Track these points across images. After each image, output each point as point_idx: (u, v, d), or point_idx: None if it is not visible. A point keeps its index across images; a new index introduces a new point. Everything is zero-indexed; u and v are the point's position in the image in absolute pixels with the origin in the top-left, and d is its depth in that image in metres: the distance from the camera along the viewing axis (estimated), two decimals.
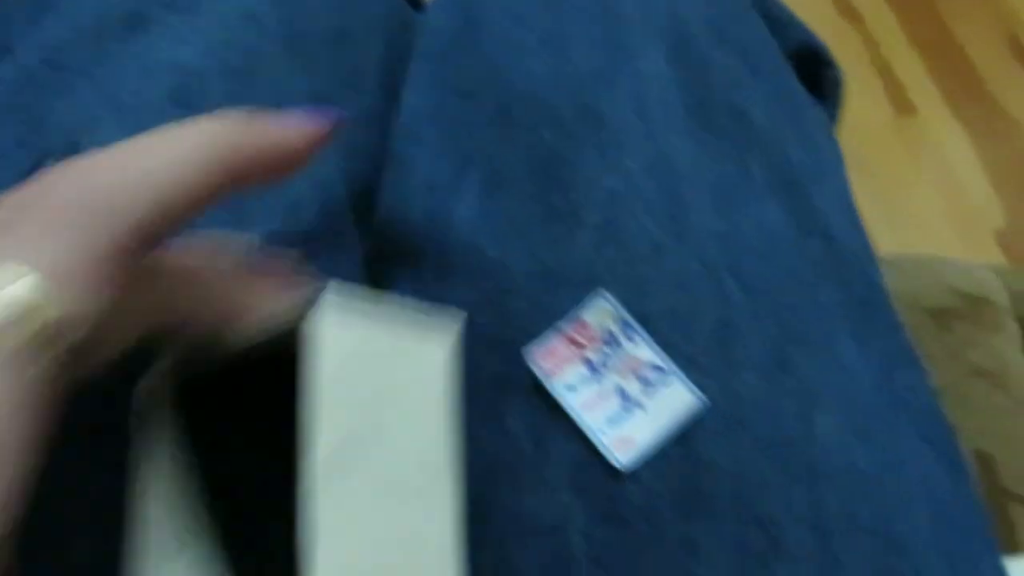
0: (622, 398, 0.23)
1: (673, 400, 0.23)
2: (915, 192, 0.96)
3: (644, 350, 0.23)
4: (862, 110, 1.00)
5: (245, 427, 0.20)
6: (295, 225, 0.30)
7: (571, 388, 0.23)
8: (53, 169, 0.17)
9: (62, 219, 0.16)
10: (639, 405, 0.23)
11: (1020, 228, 0.92)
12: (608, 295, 0.24)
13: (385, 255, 0.28)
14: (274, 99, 0.31)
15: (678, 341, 0.24)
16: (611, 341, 0.23)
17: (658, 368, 0.23)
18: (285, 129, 0.19)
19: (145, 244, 0.16)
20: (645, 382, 0.23)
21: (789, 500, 0.22)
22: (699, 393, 0.23)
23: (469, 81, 0.30)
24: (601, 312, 0.24)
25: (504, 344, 0.24)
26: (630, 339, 0.23)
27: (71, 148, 0.25)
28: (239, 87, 0.29)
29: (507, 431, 0.24)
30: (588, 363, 0.23)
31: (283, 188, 0.30)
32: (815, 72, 0.37)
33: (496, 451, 0.24)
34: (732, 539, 0.22)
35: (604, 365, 0.23)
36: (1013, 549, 0.36)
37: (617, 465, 0.22)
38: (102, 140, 0.18)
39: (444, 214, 0.28)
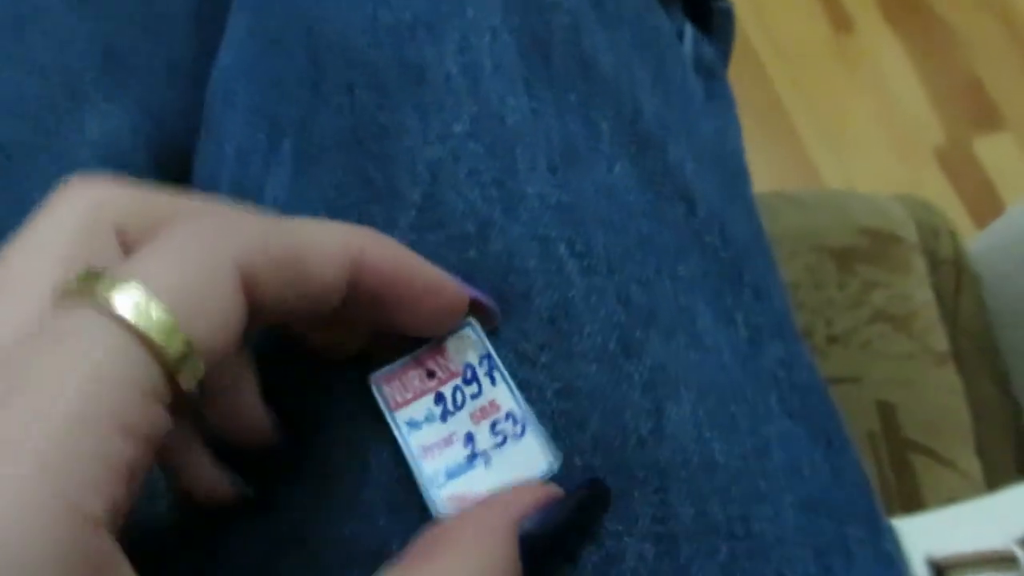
0: (468, 447, 0.20)
1: (522, 459, 0.20)
2: (853, 111, 0.93)
3: (503, 394, 0.20)
4: (798, 28, 0.96)
5: None
6: None
7: (414, 425, 0.20)
8: None
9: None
10: (484, 458, 0.20)
11: (959, 145, 0.90)
12: (476, 324, 0.21)
13: None
14: (55, 47, 0.27)
15: (509, 334, 0.21)
16: (470, 379, 0.20)
17: (514, 418, 0.20)
18: (432, 277, 0.19)
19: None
20: (497, 432, 0.20)
21: (631, 510, 0.20)
22: (553, 454, 0.20)
23: (280, 32, 0.26)
24: (464, 342, 0.21)
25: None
26: (491, 379, 0.20)
27: None
28: (15, 33, 0.25)
29: (330, 443, 0.21)
30: (440, 399, 0.20)
31: (60, 154, 0.26)
32: (703, 4, 0.34)
33: (319, 467, 0.21)
34: (563, 560, 0.19)
35: (456, 405, 0.20)
36: (917, 505, 0.34)
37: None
38: None
39: (254, 191, 0.24)
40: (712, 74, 0.31)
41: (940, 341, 0.40)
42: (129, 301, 0.15)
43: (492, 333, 0.21)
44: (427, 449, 0.20)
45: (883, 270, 0.41)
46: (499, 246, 0.22)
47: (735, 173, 0.28)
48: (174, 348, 0.15)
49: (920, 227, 0.43)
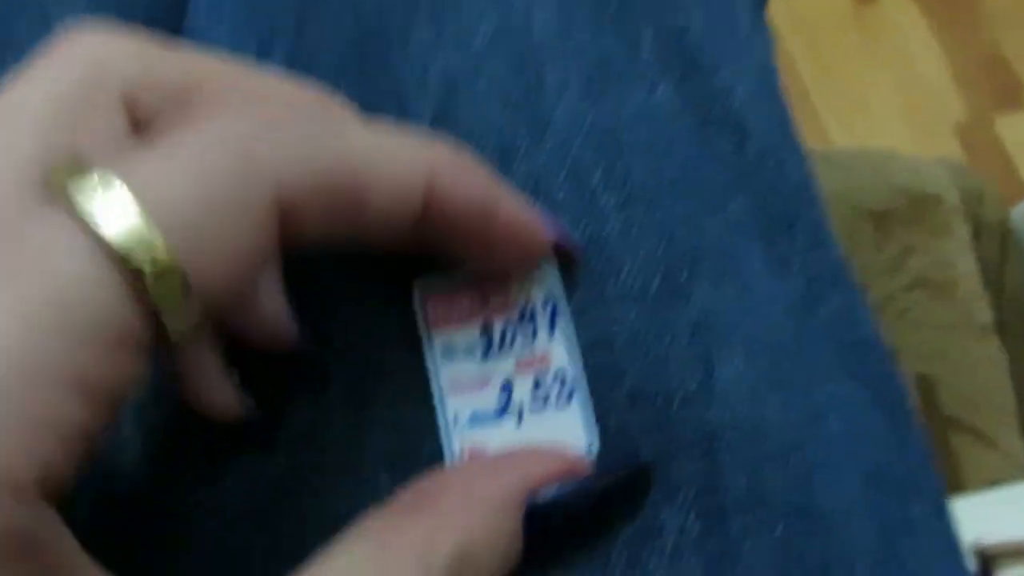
0: (503, 396, 0.17)
1: (559, 429, 0.17)
2: (873, 85, 0.90)
3: (559, 350, 0.17)
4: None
5: None
6: None
7: (450, 354, 0.17)
8: None
9: None
10: (517, 415, 0.17)
11: (981, 122, 0.87)
12: (554, 262, 0.17)
13: None
14: None
15: None
16: (527, 318, 0.17)
17: (563, 381, 0.17)
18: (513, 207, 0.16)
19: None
20: (539, 391, 0.17)
21: (673, 478, 0.17)
22: (594, 436, 0.17)
23: None
24: (534, 277, 0.17)
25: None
26: (550, 328, 0.17)
27: None
28: None
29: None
30: (486, 333, 0.17)
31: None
32: None
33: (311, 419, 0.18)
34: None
35: (502, 345, 0.17)
36: (956, 487, 0.32)
37: None
38: None
39: None
40: (759, 4, 0.28)
41: (983, 312, 0.37)
42: (113, 214, 0.11)
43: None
44: (457, 385, 0.17)
45: (923, 233, 0.38)
46: (523, 173, 0.19)
47: (784, 110, 0.25)
48: (164, 286, 0.11)
49: (963, 191, 0.40)
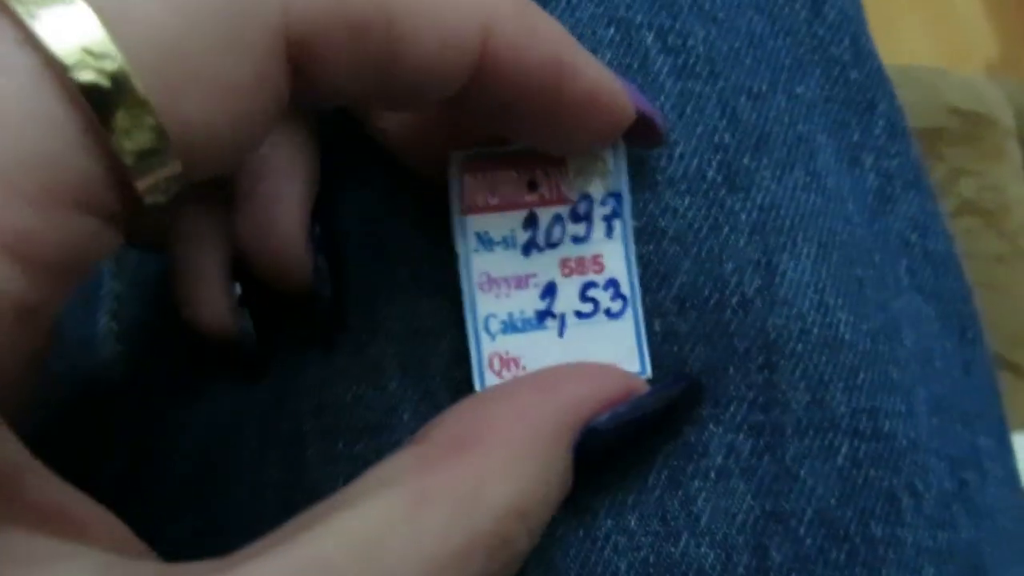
0: (545, 300, 0.14)
1: (607, 346, 0.14)
2: (900, 16, 0.85)
3: (616, 253, 0.14)
4: None
5: None
6: None
7: (485, 242, 0.14)
8: None
9: None
10: (559, 324, 0.14)
11: (1013, 60, 0.83)
12: (622, 148, 0.14)
13: None
14: None
15: None
16: (581, 215, 0.14)
17: (616, 290, 0.14)
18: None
19: None
20: (587, 299, 0.14)
21: (723, 392, 0.15)
22: (647, 363, 0.14)
23: None
24: (595, 165, 0.14)
25: None
26: (607, 226, 0.14)
27: None
28: None
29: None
30: (531, 225, 0.14)
31: None
32: None
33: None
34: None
35: (548, 241, 0.14)
36: None
37: (476, 387, 0.14)
38: None
39: None
40: None
41: None
42: (63, 24, 0.09)
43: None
44: (491, 281, 0.14)
45: (974, 155, 0.35)
46: (568, 21, 0.16)
47: None
48: (135, 135, 0.09)
49: (1019, 112, 0.37)
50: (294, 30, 0.10)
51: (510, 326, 0.14)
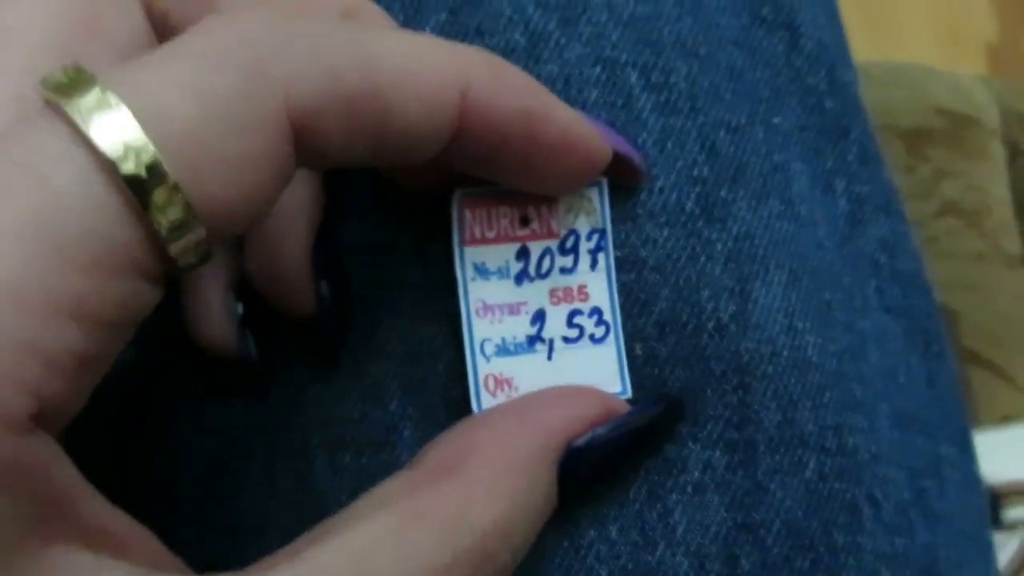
0: (535, 326, 0.15)
1: (591, 369, 0.15)
2: (901, 1, 0.85)
3: (599, 284, 0.16)
4: None
5: None
6: None
7: (482, 272, 0.15)
8: None
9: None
10: (548, 348, 0.15)
11: (1012, 43, 0.83)
12: (605, 186, 0.16)
13: None
14: None
15: None
16: (568, 249, 0.16)
17: (600, 317, 0.15)
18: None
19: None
20: (574, 325, 0.15)
21: (701, 411, 0.16)
22: (628, 384, 0.15)
23: None
24: (581, 202, 0.16)
25: None
26: (592, 260, 0.16)
27: None
28: None
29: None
30: (523, 256, 0.15)
31: None
32: None
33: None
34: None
35: (539, 272, 0.15)
36: (970, 422, 0.31)
37: (474, 407, 0.15)
38: None
39: None
40: None
41: (1014, 242, 0.35)
42: (106, 121, 0.10)
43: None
44: (486, 307, 0.15)
45: (957, 156, 0.36)
46: (553, 67, 0.17)
47: (835, 8, 0.22)
48: (169, 212, 0.10)
49: (1004, 113, 0.38)
50: (296, 110, 0.11)
51: (503, 349, 0.15)
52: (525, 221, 0.16)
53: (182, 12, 0.13)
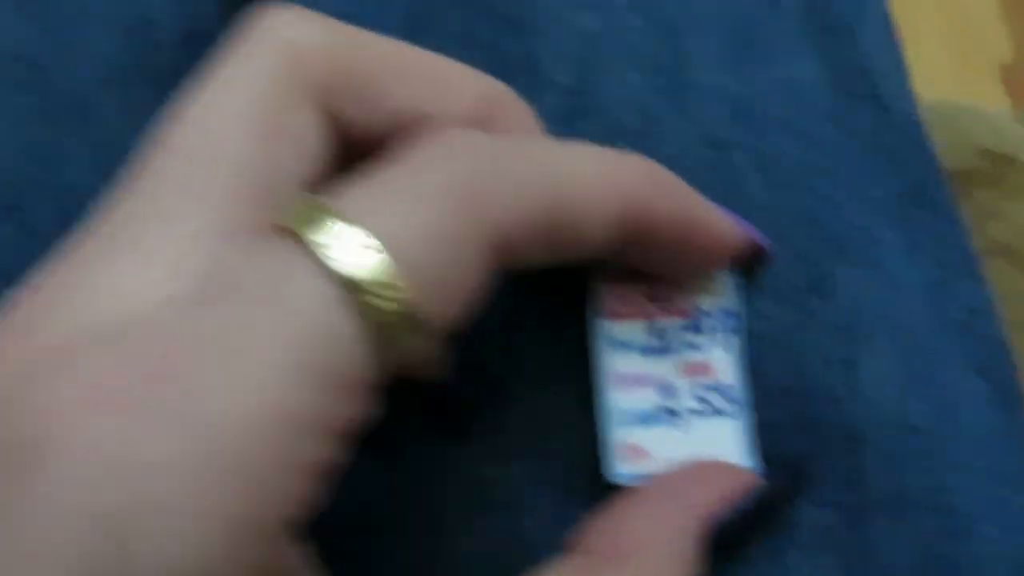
0: (665, 399, 0.16)
1: (718, 443, 0.16)
2: (910, 14, 0.86)
3: (724, 362, 0.16)
4: None
5: None
6: (141, 54, 0.22)
7: (616, 345, 0.16)
8: None
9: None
10: (677, 420, 0.16)
11: None
12: (735, 272, 0.17)
13: None
14: None
15: None
16: (697, 328, 0.17)
17: (727, 394, 0.16)
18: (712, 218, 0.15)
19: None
20: (702, 399, 0.16)
21: (815, 475, 0.17)
22: (756, 458, 0.16)
23: None
24: (712, 284, 0.17)
25: None
26: (720, 337, 0.17)
27: None
28: None
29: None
30: (654, 332, 0.16)
31: None
32: None
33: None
34: None
35: (669, 347, 0.16)
36: None
37: (608, 474, 0.16)
38: None
39: None
40: None
41: None
42: (355, 257, 0.11)
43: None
44: (621, 378, 0.16)
45: (1000, 196, 0.37)
46: (669, 148, 0.18)
47: (908, 78, 0.23)
48: (401, 336, 0.11)
49: None
50: (502, 235, 0.12)
51: (636, 419, 0.16)
52: (657, 298, 0.17)
53: (359, 111, 0.14)
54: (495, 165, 0.13)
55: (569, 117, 0.18)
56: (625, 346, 0.16)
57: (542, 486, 0.17)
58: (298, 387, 0.11)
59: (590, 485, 0.17)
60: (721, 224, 0.15)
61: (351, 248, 0.11)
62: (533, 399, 0.17)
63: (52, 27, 0.20)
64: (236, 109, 0.13)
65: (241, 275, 0.12)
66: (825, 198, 0.18)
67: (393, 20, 0.20)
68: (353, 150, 0.15)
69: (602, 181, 0.14)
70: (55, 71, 0.20)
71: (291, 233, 0.12)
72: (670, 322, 0.16)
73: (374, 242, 0.11)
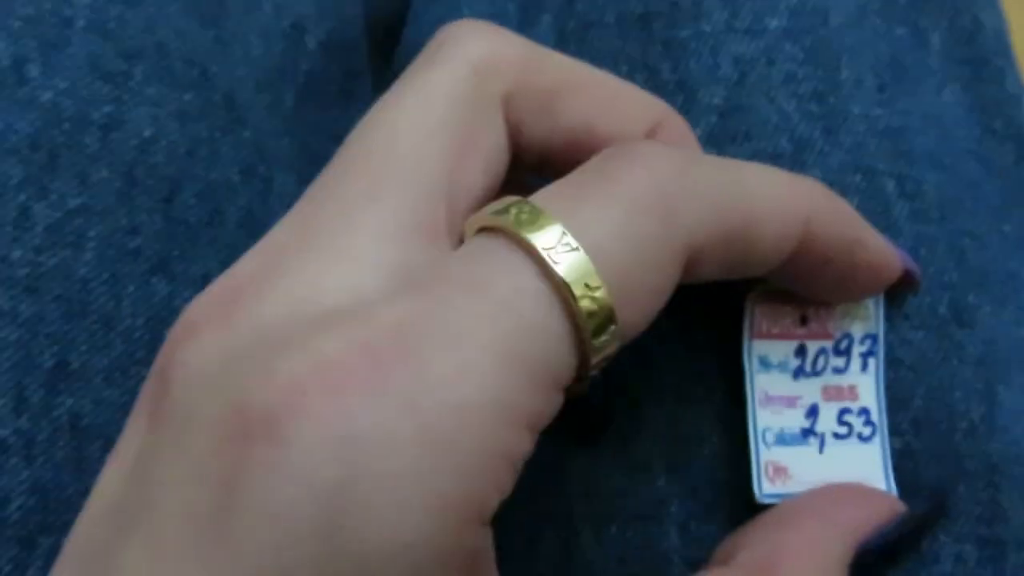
0: (809, 420, 0.17)
1: (858, 465, 0.16)
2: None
3: (868, 386, 0.17)
4: None
5: None
6: (291, 59, 0.22)
7: (765, 365, 0.17)
8: None
9: None
10: (820, 441, 0.17)
11: None
12: (882, 297, 0.17)
13: None
14: None
15: None
16: (842, 350, 0.17)
17: (868, 418, 0.17)
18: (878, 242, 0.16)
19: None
20: (843, 422, 0.17)
21: (955, 507, 0.17)
22: (893, 483, 0.17)
23: None
24: (858, 308, 0.17)
25: None
26: (863, 362, 0.17)
27: None
28: None
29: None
30: (801, 353, 0.17)
31: (279, 1, 0.22)
32: None
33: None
34: None
35: (814, 369, 0.17)
36: None
37: (756, 492, 0.16)
38: None
39: None
40: None
41: None
42: (574, 267, 0.12)
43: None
44: (768, 398, 0.17)
45: None
46: (817, 173, 0.18)
47: None
48: (602, 337, 0.12)
49: None
50: (694, 246, 0.13)
51: (781, 439, 0.17)
52: (805, 321, 0.17)
53: (536, 124, 0.15)
54: (688, 177, 0.13)
55: (720, 140, 0.18)
56: (775, 367, 0.17)
57: (676, 500, 0.17)
58: (513, 380, 0.11)
59: (725, 501, 0.17)
60: (885, 250, 0.16)
61: (569, 255, 0.12)
62: (671, 413, 0.18)
63: (221, 33, 0.21)
64: (428, 118, 0.14)
65: (456, 270, 0.12)
66: (967, 231, 0.18)
67: (541, 40, 0.20)
68: (522, 162, 0.16)
69: (786, 200, 0.14)
70: (217, 72, 0.20)
71: (503, 231, 0.12)
72: (816, 344, 0.17)
73: (577, 243, 0.12)
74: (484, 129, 0.14)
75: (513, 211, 0.12)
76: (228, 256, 0.18)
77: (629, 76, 0.19)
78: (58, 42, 0.19)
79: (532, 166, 0.15)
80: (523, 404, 0.11)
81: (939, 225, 0.18)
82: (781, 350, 0.17)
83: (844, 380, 0.17)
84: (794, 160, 0.18)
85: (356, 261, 0.13)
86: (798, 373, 0.17)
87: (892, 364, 0.17)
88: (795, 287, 0.16)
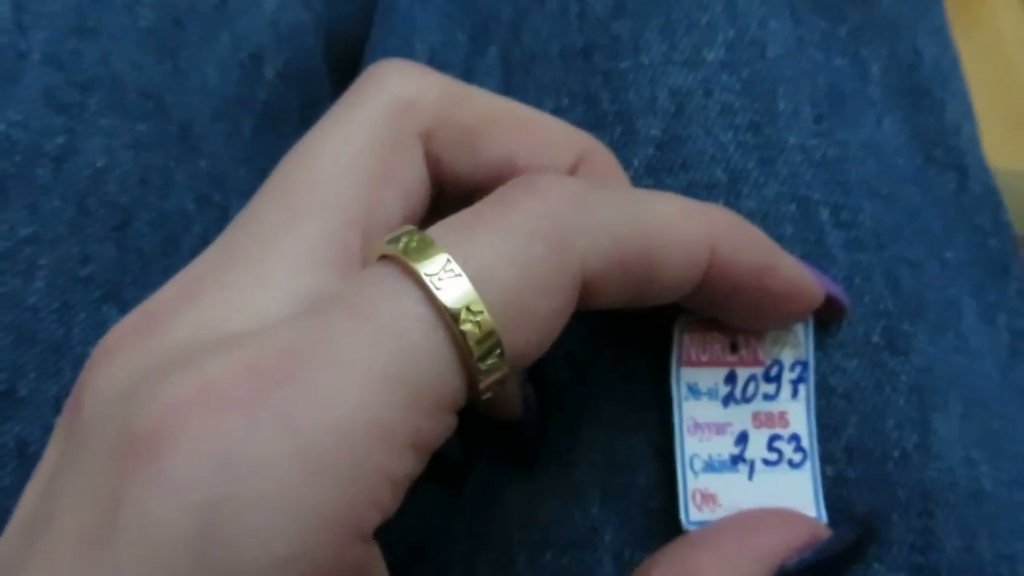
0: (738, 447, 0.17)
1: (788, 493, 0.17)
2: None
3: (799, 413, 0.17)
4: None
5: None
6: (248, 89, 0.23)
7: (694, 392, 0.17)
8: None
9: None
10: (749, 468, 0.17)
11: None
12: (811, 324, 0.17)
13: None
14: None
15: None
16: (772, 377, 0.17)
17: (798, 444, 0.17)
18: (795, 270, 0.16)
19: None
20: (773, 449, 0.17)
21: (887, 535, 0.17)
22: (823, 509, 0.17)
23: None
24: (787, 336, 0.17)
25: None
26: (794, 389, 0.17)
27: None
28: None
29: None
30: (731, 381, 0.17)
31: (237, 32, 0.23)
32: None
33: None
34: None
35: (744, 396, 0.17)
36: None
37: (683, 519, 0.16)
38: None
39: None
40: None
41: None
42: (450, 285, 0.12)
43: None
44: (697, 426, 0.17)
45: None
46: (752, 203, 0.18)
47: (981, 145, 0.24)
48: (488, 360, 0.12)
49: None
50: (588, 273, 0.13)
51: (709, 466, 0.17)
52: (735, 348, 0.17)
53: (457, 158, 0.15)
54: (584, 206, 0.13)
55: (657, 171, 0.19)
56: (704, 394, 0.17)
57: (610, 528, 0.17)
58: (394, 402, 0.12)
59: (659, 529, 0.17)
60: (802, 277, 0.16)
61: (453, 281, 0.12)
62: (607, 441, 0.18)
63: (178, 64, 0.21)
64: (347, 151, 0.14)
65: (347, 296, 0.12)
66: (904, 259, 0.19)
67: (488, 70, 0.20)
68: (447, 197, 0.16)
69: (687, 228, 0.14)
70: (172, 102, 0.21)
71: (396, 260, 0.12)
72: (746, 371, 0.17)
73: (462, 269, 0.12)
74: (403, 162, 0.15)
75: (404, 240, 0.12)
76: None
77: (571, 107, 0.19)
78: (12, 75, 0.19)
79: (458, 200, 0.16)
80: (404, 424, 0.12)
81: (875, 253, 0.18)
82: (711, 377, 0.17)
83: (775, 407, 0.17)
84: (729, 190, 0.18)
85: (267, 288, 0.13)
86: (728, 400, 0.17)
87: (825, 392, 0.18)
88: (717, 315, 0.16)
